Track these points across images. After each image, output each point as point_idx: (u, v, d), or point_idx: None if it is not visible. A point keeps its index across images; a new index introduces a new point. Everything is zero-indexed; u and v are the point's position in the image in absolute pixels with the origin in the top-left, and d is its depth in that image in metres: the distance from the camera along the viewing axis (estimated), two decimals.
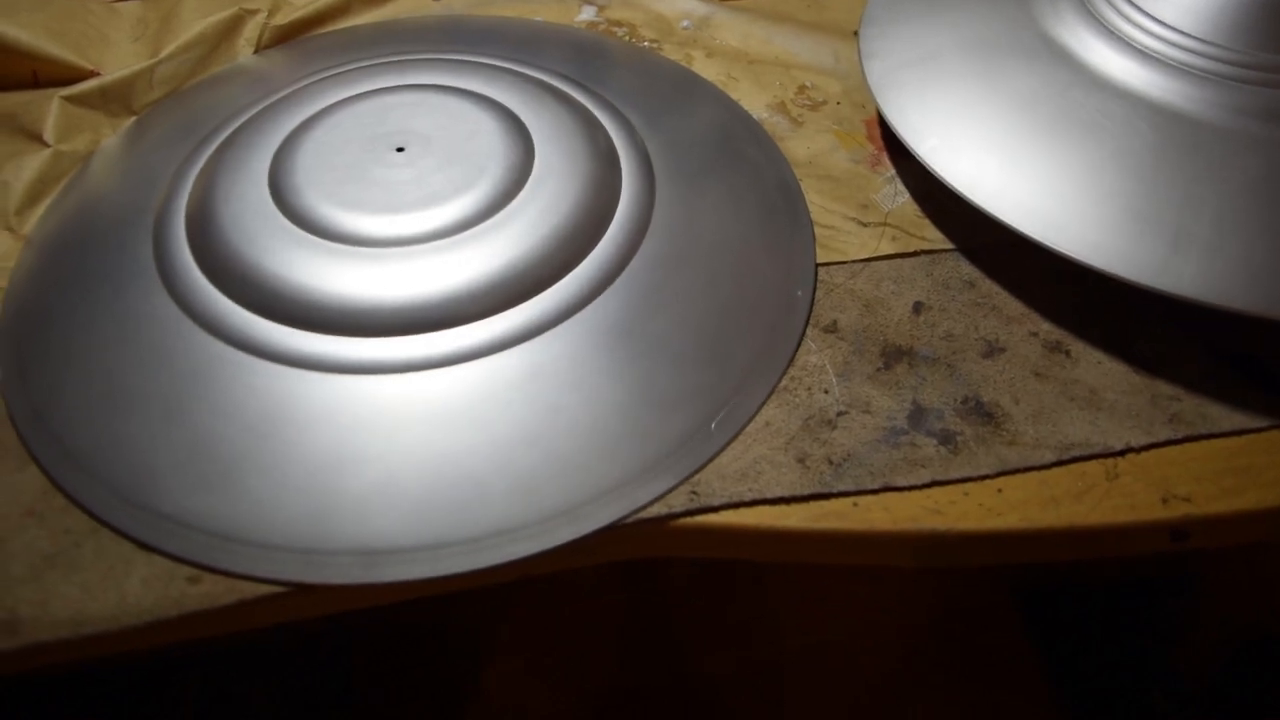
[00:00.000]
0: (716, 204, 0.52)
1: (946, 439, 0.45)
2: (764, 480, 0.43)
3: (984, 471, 0.44)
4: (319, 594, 0.41)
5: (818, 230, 0.52)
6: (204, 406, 0.44)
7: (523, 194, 0.48)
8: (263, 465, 0.43)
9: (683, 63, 0.62)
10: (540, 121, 0.52)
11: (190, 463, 0.43)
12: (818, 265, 0.51)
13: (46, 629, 0.41)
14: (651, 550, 0.44)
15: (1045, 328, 0.49)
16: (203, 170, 0.51)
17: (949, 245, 0.52)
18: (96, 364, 0.46)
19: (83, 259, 0.51)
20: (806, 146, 0.57)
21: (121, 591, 0.42)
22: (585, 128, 0.52)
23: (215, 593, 0.41)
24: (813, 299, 0.50)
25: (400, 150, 0.49)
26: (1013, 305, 0.50)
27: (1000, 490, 0.43)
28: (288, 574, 0.41)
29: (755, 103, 0.59)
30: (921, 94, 0.54)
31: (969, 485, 0.43)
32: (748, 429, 0.45)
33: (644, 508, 0.42)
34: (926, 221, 0.53)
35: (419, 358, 0.44)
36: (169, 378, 0.45)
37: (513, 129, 0.51)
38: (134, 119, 0.59)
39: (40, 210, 0.55)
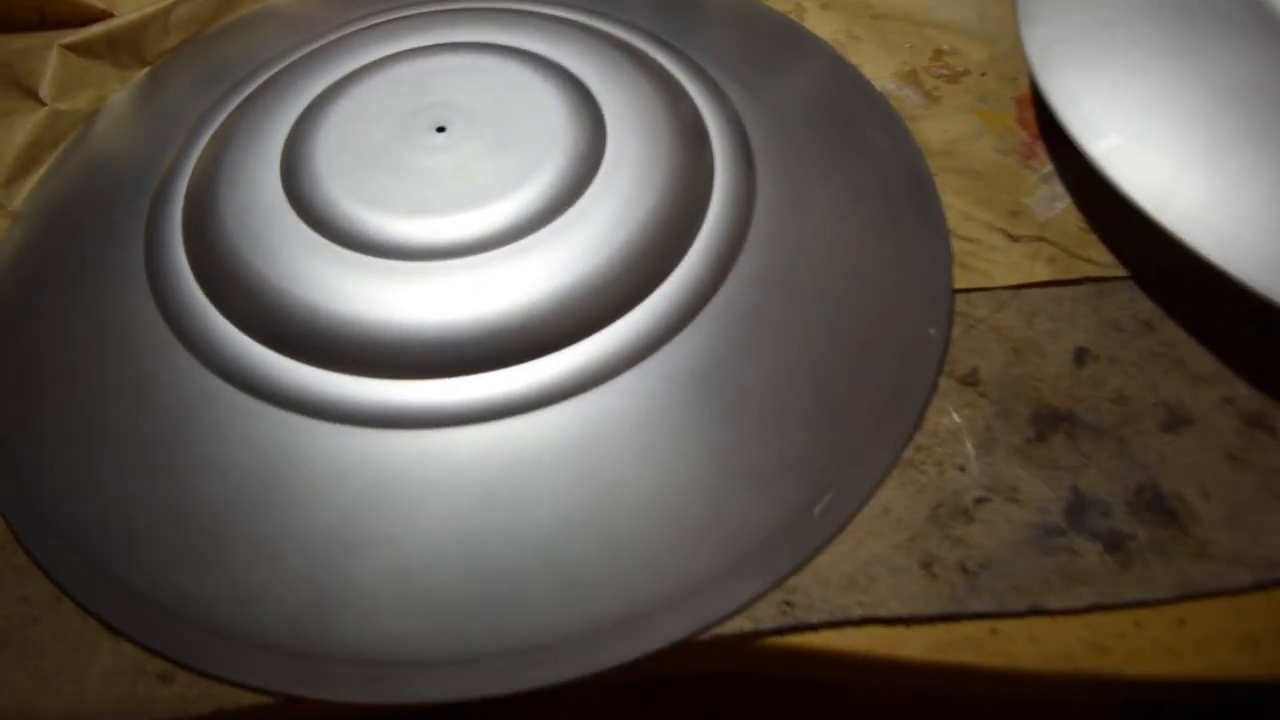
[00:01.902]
0: (831, 207, 0.41)
1: (1114, 544, 0.35)
2: (878, 591, 0.34)
3: (1162, 594, 0.34)
4: (312, 708, 0.33)
5: (955, 244, 0.42)
6: (190, 456, 0.36)
7: (588, 194, 0.38)
8: (255, 538, 0.34)
9: (791, 15, 0.50)
10: (615, 94, 0.41)
11: (170, 527, 0.35)
12: (954, 291, 0.40)
13: None
14: (726, 667, 0.35)
15: (1243, 393, 0.38)
16: (209, 144, 0.42)
17: (1121, 272, 0.41)
18: (70, 388, 0.39)
19: (68, 250, 0.43)
20: (943, 130, 0.46)
21: (80, 685, 0.34)
22: (670, 103, 0.42)
23: (189, 697, 0.34)
24: (948, 338, 0.39)
25: (441, 130, 0.40)
26: (1203, 360, 0.39)
27: (1182, 621, 0.33)
28: (276, 683, 0.33)
29: (880, 70, 0.48)
30: (1097, 73, 0.42)
31: (1142, 613, 0.34)
32: (860, 516, 0.35)
33: (723, 620, 0.33)
34: (1093, 237, 0.42)
35: (445, 408, 0.35)
36: (151, 415, 0.37)
37: (580, 104, 0.41)
38: (146, 70, 0.50)
39: (33, 181, 0.47)
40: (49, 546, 0.36)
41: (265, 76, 0.46)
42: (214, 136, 0.43)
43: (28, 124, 0.47)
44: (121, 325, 0.39)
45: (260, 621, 0.34)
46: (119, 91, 0.50)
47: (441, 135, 0.40)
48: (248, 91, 0.45)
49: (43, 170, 0.47)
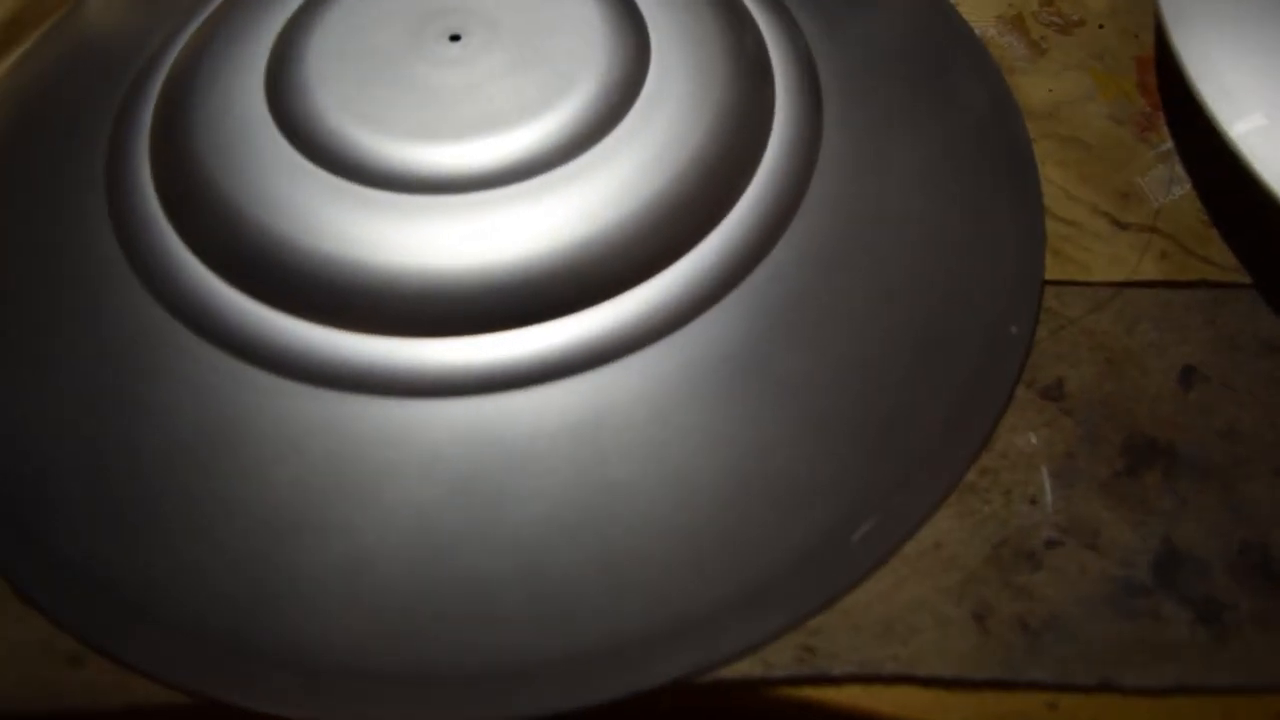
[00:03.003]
0: (906, 169, 0.35)
1: (1210, 613, 0.29)
2: (919, 643, 0.28)
3: (1262, 680, 0.28)
4: (241, 715, 0.29)
5: (1051, 226, 0.35)
6: (127, 401, 0.31)
7: (621, 129, 0.32)
8: (192, 507, 0.29)
9: None
10: (665, 12, 0.35)
11: (97, 481, 0.30)
12: (1045, 282, 0.34)
13: None
14: (721, 714, 0.29)
15: None
16: (193, 38, 0.37)
17: (1245, 278, 0.35)
18: (2, 305, 0.33)
19: (30, 146, 0.37)
20: (1048, 88, 0.39)
21: None
22: (730, 29, 0.35)
23: (100, 686, 0.29)
24: (1031, 340, 0.33)
25: (455, 39, 0.34)
26: None
27: None
28: (200, 683, 0.28)
29: (981, 11, 0.41)
30: (1244, 37, 0.35)
31: (1236, 700, 0.28)
32: (906, 550, 0.30)
33: (730, 659, 0.28)
34: (1214, 234, 0.35)
35: (424, 374, 0.30)
36: (88, 347, 0.32)
37: (623, 21, 0.34)
38: None
39: (9, 62, 0.41)
40: None
41: None
42: (199, 29, 0.37)
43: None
44: (70, 240, 0.34)
45: (189, 607, 0.29)
46: None
47: (455, 45, 0.33)
48: None
49: (21, 49, 0.41)
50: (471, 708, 0.27)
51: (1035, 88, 0.39)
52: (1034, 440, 0.31)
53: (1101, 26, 0.40)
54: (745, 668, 0.28)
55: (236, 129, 0.33)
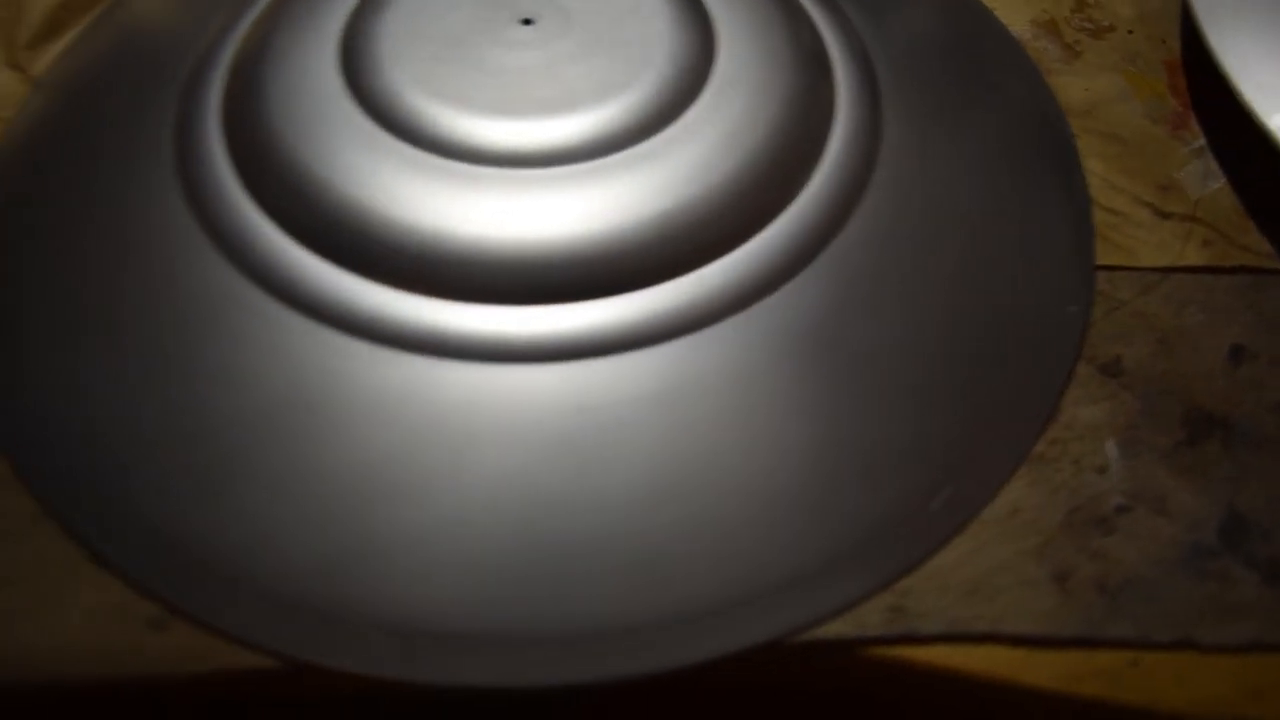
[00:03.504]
0: (961, 157, 0.36)
1: (1275, 574, 0.30)
2: (1003, 603, 0.29)
3: None
4: (329, 679, 0.28)
5: (1098, 215, 0.37)
6: (206, 366, 0.31)
7: (697, 107, 0.33)
8: (278, 470, 0.29)
9: None
10: (727, 3, 0.36)
11: (176, 446, 0.30)
12: (1096, 267, 0.35)
13: None
14: (817, 680, 0.30)
15: None
16: (259, 19, 0.37)
17: None
18: (73, 275, 0.33)
19: (90, 125, 0.37)
20: (1084, 88, 0.40)
21: (59, 623, 0.29)
22: (789, 19, 0.36)
23: (185, 648, 0.29)
24: (1088, 318, 0.34)
25: (527, 23, 0.34)
26: None
27: None
28: (293, 646, 0.28)
29: (1016, 16, 0.42)
30: (1274, 33, 0.37)
31: None
32: (985, 515, 0.30)
33: (822, 621, 0.28)
34: (1250, 224, 0.37)
35: (513, 341, 0.30)
36: (164, 315, 0.32)
37: (688, 11, 0.35)
38: None
39: (60, 47, 0.41)
40: (34, 454, 0.31)
41: None
42: (264, 10, 0.37)
43: None
44: (141, 211, 0.33)
45: (278, 570, 0.28)
46: None
47: (528, 29, 0.34)
48: None
49: (71, 34, 0.41)
50: (567, 669, 0.27)
51: (1072, 88, 0.40)
52: (1098, 413, 0.32)
53: (1131, 32, 0.42)
54: (838, 628, 0.29)
55: (313, 102, 0.33)
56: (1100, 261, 0.36)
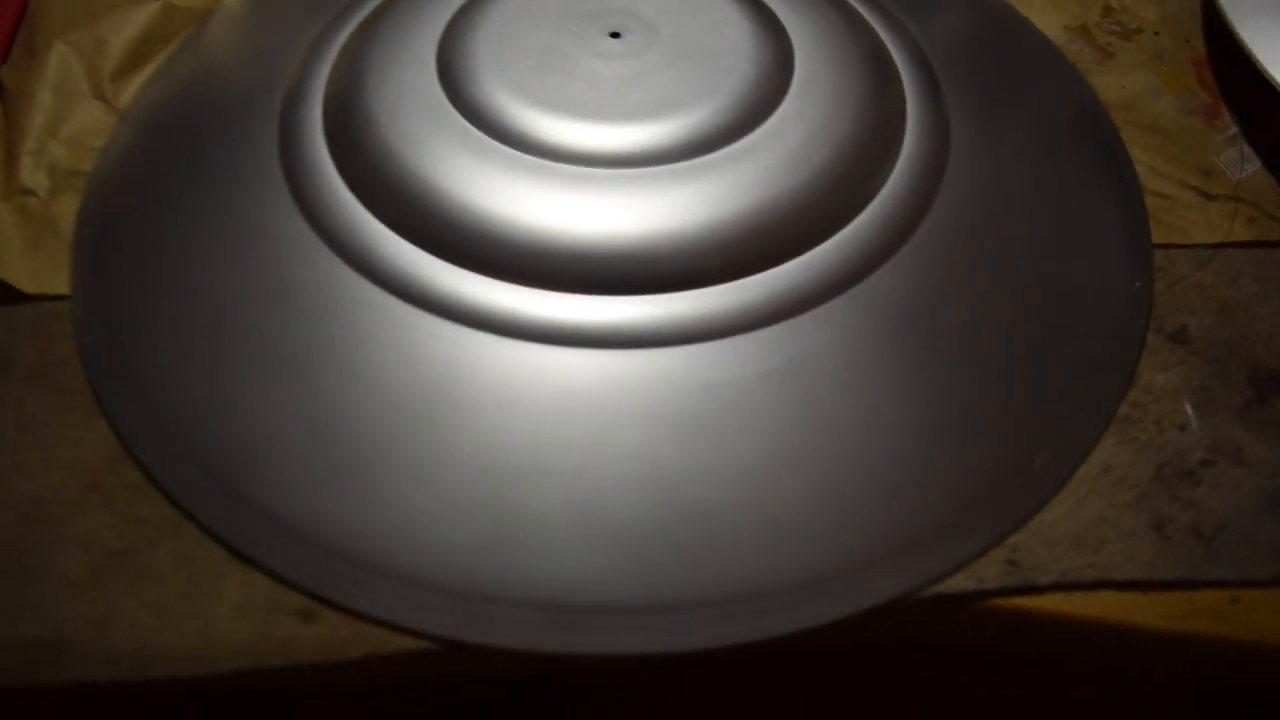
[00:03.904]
0: (1022, 149, 0.38)
1: None
2: (1109, 552, 0.31)
3: None
4: (482, 655, 0.30)
5: (1148, 199, 0.39)
6: (337, 367, 0.32)
7: (783, 108, 0.35)
8: (415, 462, 0.31)
9: None
10: (798, 17, 0.38)
11: (313, 444, 0.31)
12: (1154, 246, 0.38)
13: (100, 663, 0.30)
14: (937, 636, 0.32)
15: None
16: (350, 42, 0.38)
17: None
18: (199, 290, 0.35)
19: (190, 148, 0.39)
20: (1121, 86, 0.43)
21: (206, 620, 0.30)
22: (853, 27, 0.39)
23: (338, 639, 0.30)
24: (1151, 292, 0.36)
25: (616, 36, 0.36)
26: None
27: None
28: (442, 627, 0.29)
29: (1050, 23, 0.45)
30: None
31: None
32: (1080, 474, 0.32)
33: (944, 576, 0.30)
34: None
35: (637, 327, 0.32)
36: (291, 320, 0.33)
37: (764, 23, 0.37)
38: None
39: (142, 77, 0.43)
40: (169, 461, 0.32)
41: None
42: (354, 34, 0.39)
43: (140, 16, 0.43)
44: (256, 225, 0.35)
45: (422, 556, 0.30)
46: None
47: (617, 41, 0.36)
48: None
49: (152, 66, 0.43)
50: (709, 633, 0.29)
51: (1109, 86, 0.43)
52: (1172, 377, 0.35)
53: (1156, 34, 0.45)
54: (959, 583, 0.30)
55: (417, 112, 0.35)
56: (1156, 241, 0.38)
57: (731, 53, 0.36)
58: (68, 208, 0.39)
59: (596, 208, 0.32)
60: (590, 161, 0.33)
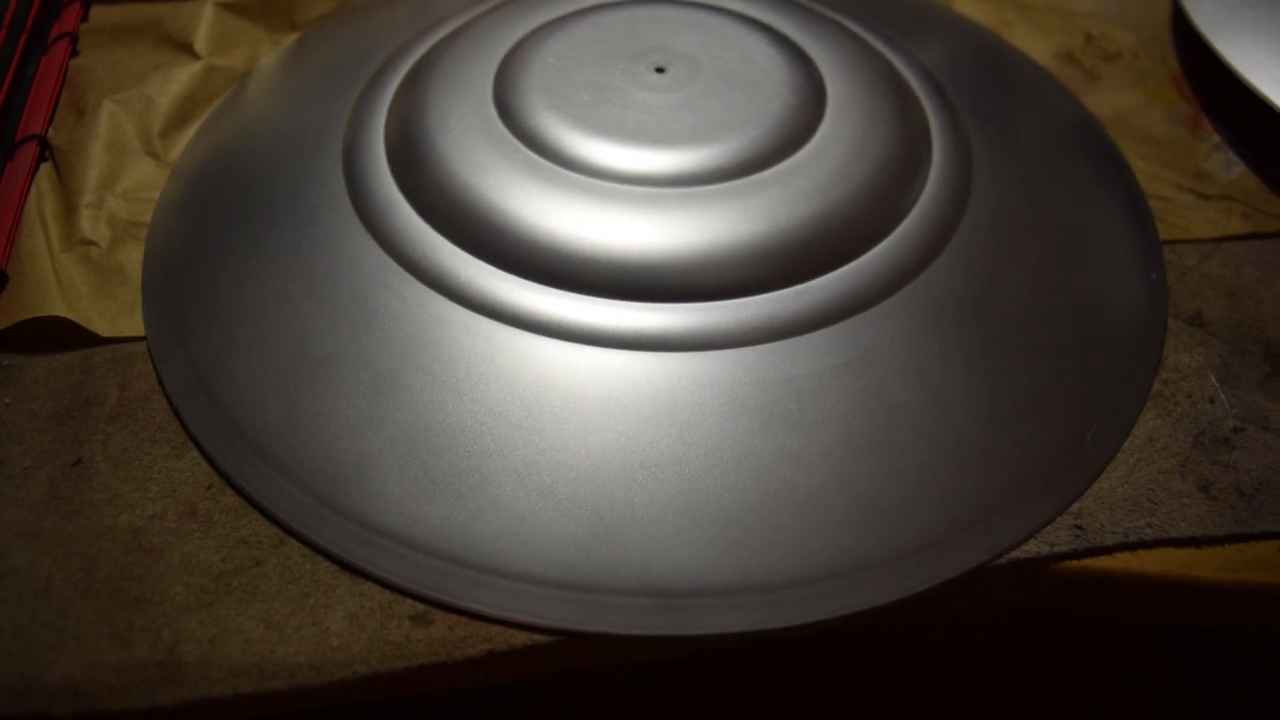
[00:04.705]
0: (1037, 159, 0.42)
1: None
2: (1164, 513, 0.33)
3: None
4: (596, 644, 0.31)
5: (1150, 202, 0.42)
6: (430, 382, 0.34)
7: (824, 128, 0.38)
8: (515, 465, 0.32)
9: (943, 2, 0.51)
10: (820, 47, 0.41)
11: (414, 456, 0.33)
12: (1162, 243, 0.41)
13: (220, 678, 0.30)
14: (1013, 600, 0.33)
15: None
16: (401, 91, 0.41)
17: None
18: (278, 321, 0.36)
19: (251, 195, 0.40)
20: (1110, 103, 0.47)
21: (321, 629, 0.31)
22: (865, 54, 0.42)
23: (454, 639, 0.31)
24: (1165, 283, 0.39)
25: (660, 71, 0.39)
26: None
27: None
28: (558, 619, 0.30)
29: (1038, 50, 0.49)
30: (1273, 38, 0.44)
31: None
32: (1127, 445, 0.35)
33: (1019, 544, 0.32)
34: (1275, 198, 0.43)
35: (714, 331, 0.34)
36: (379, 343, 0.35)
37: (792, 53, 0.40)
38: (296, 36, 0.48)
39: (188, 134, 0.45)
40: (268, 483, 0.33)
41: (438, 37, 0.44)
42: (406, 81, 0.41)
43: (183, 76, 0.45)
44: (332, 257, 0.37)
45: (531, 554, 0.31)
46: (270, 54, 0.48)
47: (662, 75, 0.39)
48: (422, 51, 0.43)
49: (199, 123, 0.45)
50: (816, 607, 0.30)
51: (1100, 104, 0.47)
52: (1196, 358, 0.37)
53: (1136, 56, 0.49)
54: (1032, 548, 0.32)
55: (481, 145, 0.37)
56: (1162, 238, 0.41)
57: (769, 80, 0.39)
58: (132, 256, 0.40)
59: (669, 224, 0.35)
60: (657, 183, 0.36)
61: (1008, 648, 0.56)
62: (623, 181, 0.36)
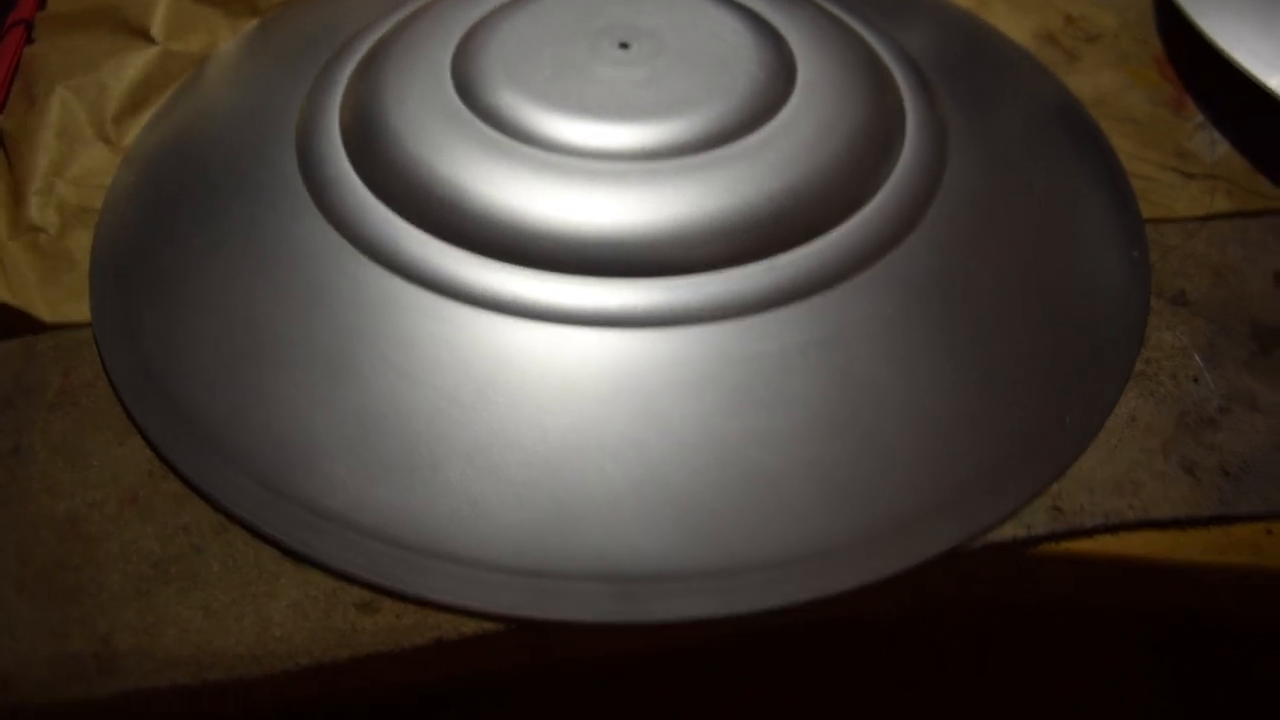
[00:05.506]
0: (1015, 137, 0.41)
1: None
2: (1146, 494, 0.32)
3: None
4: (550, 634, 0.29)
5: (1132, 181, 0.41)
6: (381, 364, 0.32)
7: (792, 103, 0.36)
8: (467, 448, 0.31)
9: None
10: (792, 24, 0.40)
11: (364, 440, 0.31)
12: (1144, 221, 0.40)
13: (156, 669, 0.29)
14: (990, 588, 0.32)
15: None
16: (358, 71, 0.40)
17: None
18: (227, 305, 0.35)
19: (203, 177, 0.39)
20: (1092, 84, 0.45)
21: (263, 618, 0.30)
22: (840, 32, 0.41)
23: (400, 627, 0.29)
24: (1148, 261, 0.38)
25: (625, 46, 0.38)
26: None
27: None
28: (509, 605, 0.29)
29: (1018, 30, 0.48)
30: (1257, 15, 0.43)
31: None
32: (1109, 425, 0.33)
33: (995, 526, 0.31)
34: (1260, 176, 0.42)
35: (678, 307, 0.33)
36: (329, 324, 0.33)
37: (761, 29, 0.39)
38: (257, 21, 0.47)
39: (143, 119, 0.44)
40: (211, 468, 0.32)
41: (398, 18, 0.43)
42: (363, 61, 0.40)
43: (139, 61, 0.44)
44: (283, 238, 0.35)
45: (482, 539, 0.30)
46: (229, 40, 0.46)
47: (626, 51, 0.38)
48: (381, 32, 0.42)
49: (153, 109, 0.44)
50: (774, 593, 0.29)
51: (1081, 84, 0.45)
52: (1180, 337, 0.36)
53: (1117, 37, 0.48)
54: (1009, 531, 0.31)
55: (437, 122, 0.36)
56: (1145, 216, 0.40)
57: (736, 56, 0.38)
58: (81, 242, 0.39)
59: (631, 198, 0.33)
60: (618, 157, 0.34)
61: (989, 654, 0.54)
62: (583, 156, 0.34)
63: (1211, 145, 0.43)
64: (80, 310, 0.37)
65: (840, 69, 0.38)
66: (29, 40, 0.46)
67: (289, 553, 0.31)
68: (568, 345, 0.32)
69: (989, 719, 0.53)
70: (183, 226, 0.37)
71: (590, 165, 0.34)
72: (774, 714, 0.50)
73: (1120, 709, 0.54)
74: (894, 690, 0.53)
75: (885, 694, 0.53)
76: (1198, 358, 0.36)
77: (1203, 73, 0.45)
